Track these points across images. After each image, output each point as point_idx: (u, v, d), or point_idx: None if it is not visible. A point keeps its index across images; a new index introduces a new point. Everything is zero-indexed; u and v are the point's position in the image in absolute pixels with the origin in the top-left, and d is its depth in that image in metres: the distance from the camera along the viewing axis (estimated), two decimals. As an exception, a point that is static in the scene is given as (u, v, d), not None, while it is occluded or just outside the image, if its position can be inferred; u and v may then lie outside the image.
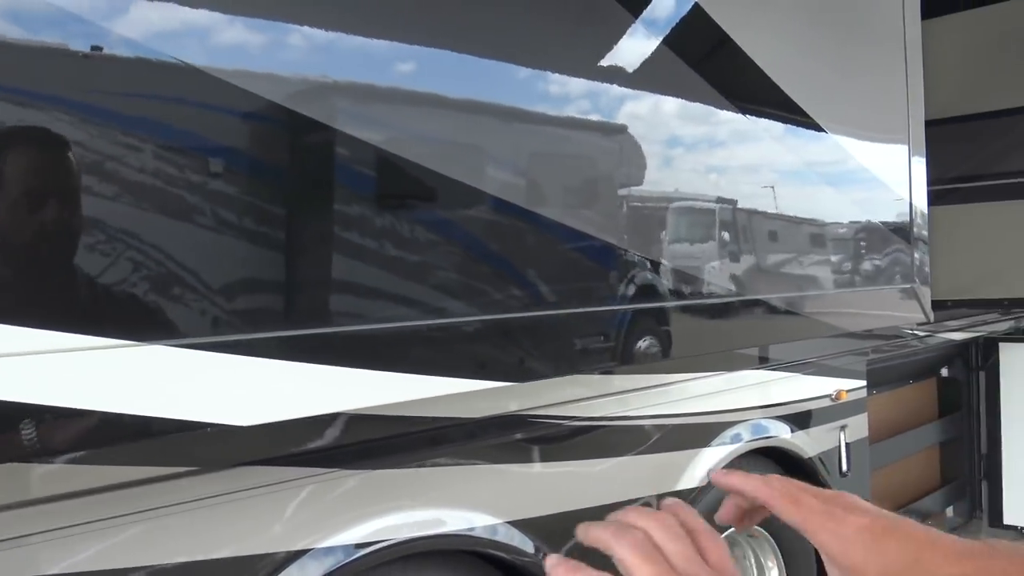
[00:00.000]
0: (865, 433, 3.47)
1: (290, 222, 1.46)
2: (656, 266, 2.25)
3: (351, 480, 1.73)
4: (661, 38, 2.23)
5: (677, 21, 2.30)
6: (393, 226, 1.61)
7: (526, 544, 2.02)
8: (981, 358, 4.99)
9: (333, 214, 1.53)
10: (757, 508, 0.72)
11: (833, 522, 0.66)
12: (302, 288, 1.51)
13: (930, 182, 3.55)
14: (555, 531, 2.06)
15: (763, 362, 2.97)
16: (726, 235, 2.53)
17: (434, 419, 1.83)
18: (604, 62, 2.09)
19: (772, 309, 2.72)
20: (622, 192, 2.21)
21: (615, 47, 2.13)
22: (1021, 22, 4.93)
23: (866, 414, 3.50)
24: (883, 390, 4.10)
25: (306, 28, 1.48)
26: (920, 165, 3.44)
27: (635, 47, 2.18)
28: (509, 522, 1.99)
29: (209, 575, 1.51)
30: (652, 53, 2.21)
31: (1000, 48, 5.00)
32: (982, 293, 5.00)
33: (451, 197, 1.71)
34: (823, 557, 0.67)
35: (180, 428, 1.20)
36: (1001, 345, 4.91)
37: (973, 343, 4.93)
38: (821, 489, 0.69)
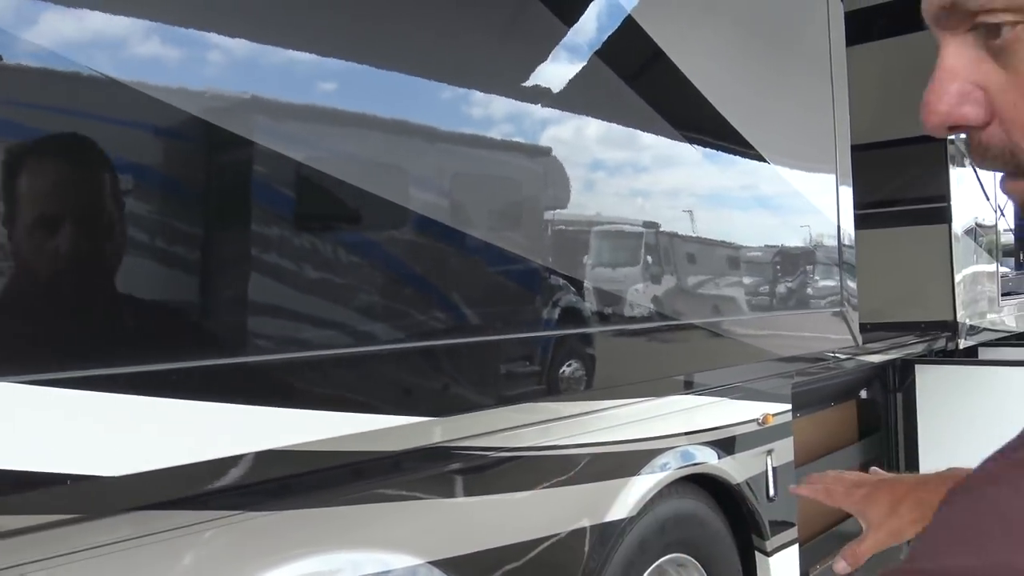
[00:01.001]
0: (791, 457, 3.46)
1: (181, 236, 1.33)
2: (582, 290, 2.18)
3: (257, 523, 1.58)
4: (597, 55, 2.17)
5: (617, 40, 2.24)
6: (300, 246, 1.48)
7: (447, 585, 1.90)
8: (898, 380, 5.08)
9: (232, 228, 1.40)
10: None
11: (849, 495, 1.18)
12: (194, 313, 1.37)
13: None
14: (479, 570, 1.95)
15: (690, 387, 2.91)
16: (655, 260, 2.47)
17: (348, 453, 1.70)
18: (536, 81, 2.02)
19: (702, 334, 2.67)
20: (549, 215, 2.13)
21: (550, 65, 2.06)
22: (934, 51, 5.07)
23: (792, 438, 3.49)
24: (806, 413, 4.11)
25: (226, 40, 1.37)
26: (847, 190, 3.46)
27: (573, 65, 2.11)
28: (430, 562, 1.87)
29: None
30: (591, 72, 2.14)
31: (916, 75, 5.13)
32: (899, 316, 5.10)
33: (366, 217, 1.60)
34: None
35: (30, 483, 1.04)
36: (917, 367, 5.01)
37: (890, 365, 5.01)
38: (850, 475, 1.25)
